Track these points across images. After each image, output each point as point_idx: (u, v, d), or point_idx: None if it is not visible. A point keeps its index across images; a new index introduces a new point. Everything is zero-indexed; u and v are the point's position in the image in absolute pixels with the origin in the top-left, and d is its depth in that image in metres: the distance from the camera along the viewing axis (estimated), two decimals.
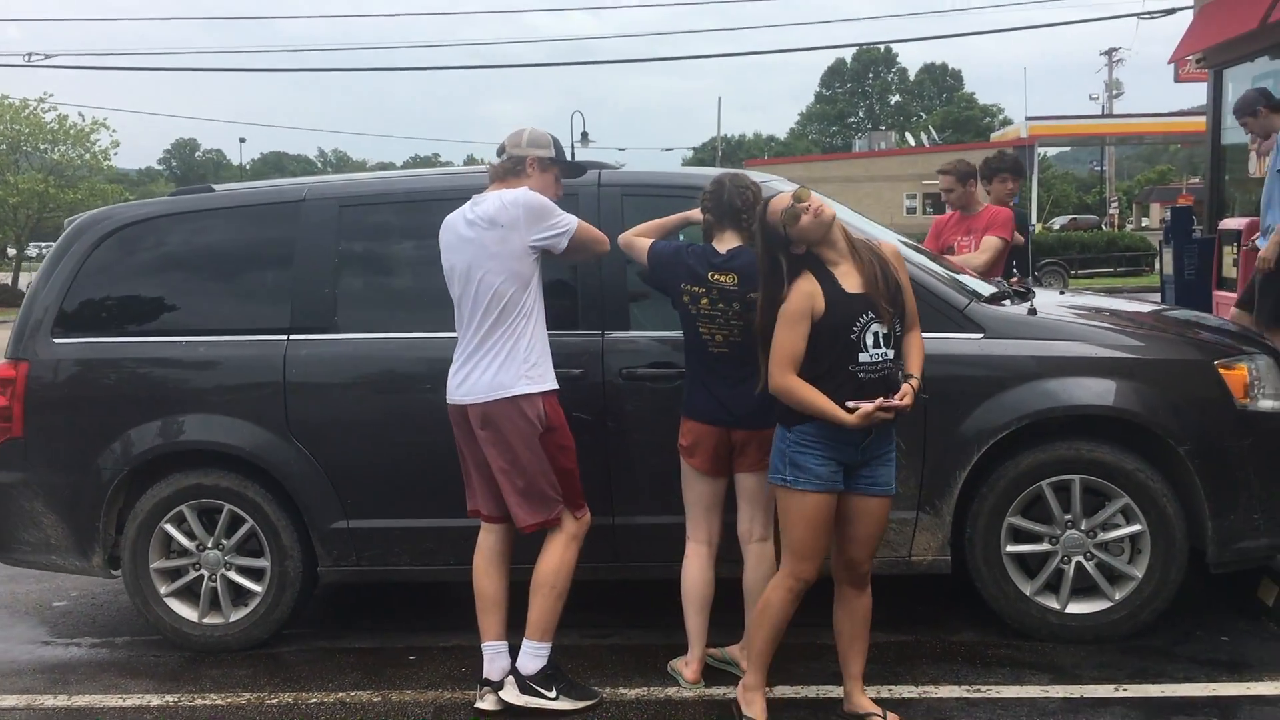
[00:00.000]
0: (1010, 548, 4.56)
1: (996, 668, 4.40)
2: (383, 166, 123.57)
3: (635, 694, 4.30)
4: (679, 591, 4.35)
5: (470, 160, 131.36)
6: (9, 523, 5.09)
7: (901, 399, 3.71)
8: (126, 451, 4.90)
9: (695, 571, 4.28)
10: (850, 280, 3.75)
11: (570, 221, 4.21)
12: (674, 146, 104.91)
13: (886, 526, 4.03)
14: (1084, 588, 4.56)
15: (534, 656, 4.20)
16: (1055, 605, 4.56)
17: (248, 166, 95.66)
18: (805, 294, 3.72)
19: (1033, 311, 4.68)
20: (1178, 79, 17.88)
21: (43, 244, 46.19)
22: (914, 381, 3.80)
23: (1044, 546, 4.56)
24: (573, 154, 4.44)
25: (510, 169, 4.31)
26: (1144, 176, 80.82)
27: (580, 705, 4.18)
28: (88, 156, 34.91)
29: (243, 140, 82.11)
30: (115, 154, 35.53)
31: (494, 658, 4.25)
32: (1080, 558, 4.53)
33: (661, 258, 4.26)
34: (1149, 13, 18.15)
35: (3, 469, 5.06)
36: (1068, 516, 4.52)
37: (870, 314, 3.71)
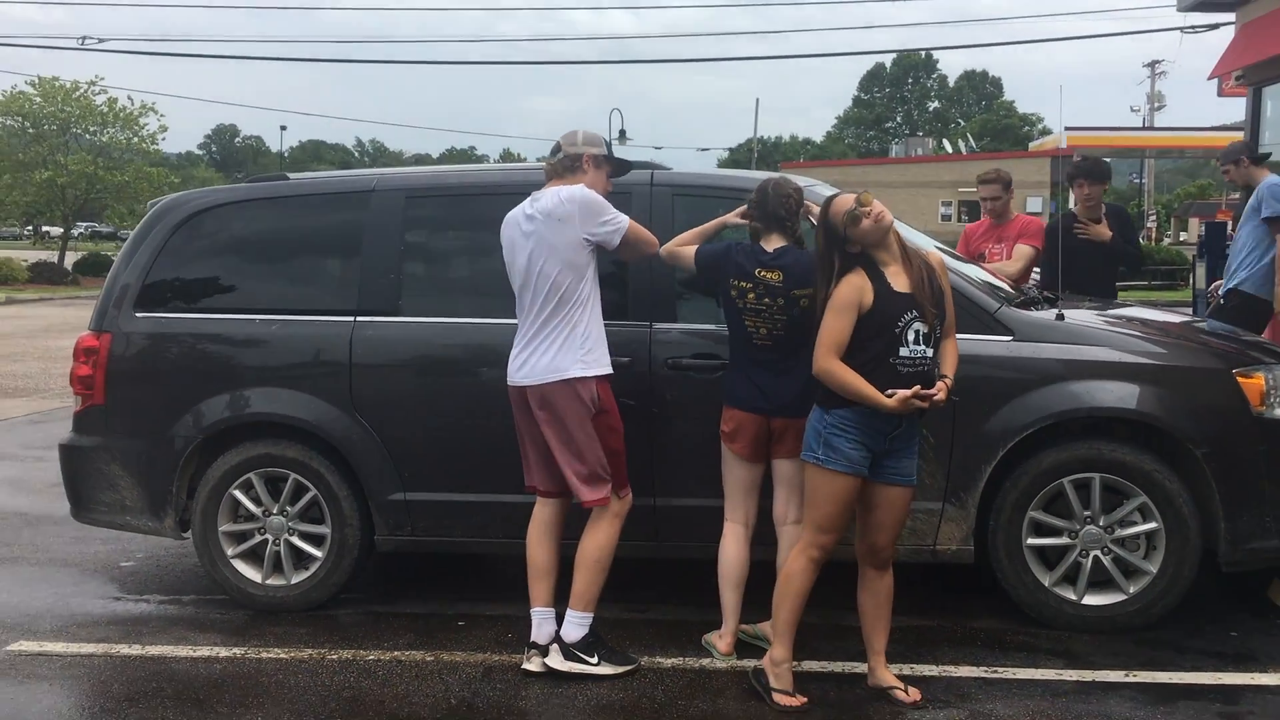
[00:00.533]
0: (1031, 540, 4.81)
1: (1014, 652, 4.65)
2: (419, 158, 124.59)
3: (671, 663, 4.58)
4: (713, 571, 4.63)
5: (507, 154, 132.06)
6: (88, 484, 5.44)
7: (936, 393, 3.98)
8: (200, 421, 5.24)
9: (732, 550, 4.56)
10: (899, 281, 4.04)
11: (623, 220, 4.50)
12: (710, 147, 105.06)
13: (908, 515, 4.29)
14: (1100, 581, 4.80)
15: (577, 626, 4.49)
16: (1072, 596, 4.81)
17: (286, 154, 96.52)
18: (855, 286, 4.01)
19: (1060, 317, 4.93)
20: (1221, 93, 17.97)
21: (86, 224, 47.13)
22: (948, 381, 4.08)
23: (1063, 540, 4.80)
24: (609, 151, 4.75)
25: (568, 166, 4.60)
26: (1184, 190, 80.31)
27: (620, 670, 4.46)
28: (135, 140, 35.56)
29: (284, 128, 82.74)
30: (163, 138, 36.19)
31: (542, 623, 4.54)
32: (1098, 552, 4.77)
33: (711, 257, 4.54)
34: (1192, 27, 18.18)
35: (84, 433, 5.42)
36: (1087, 513, 4.76)
37: (914, 313, 3.99)
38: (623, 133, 37.54)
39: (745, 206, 4.60)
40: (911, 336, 4.00)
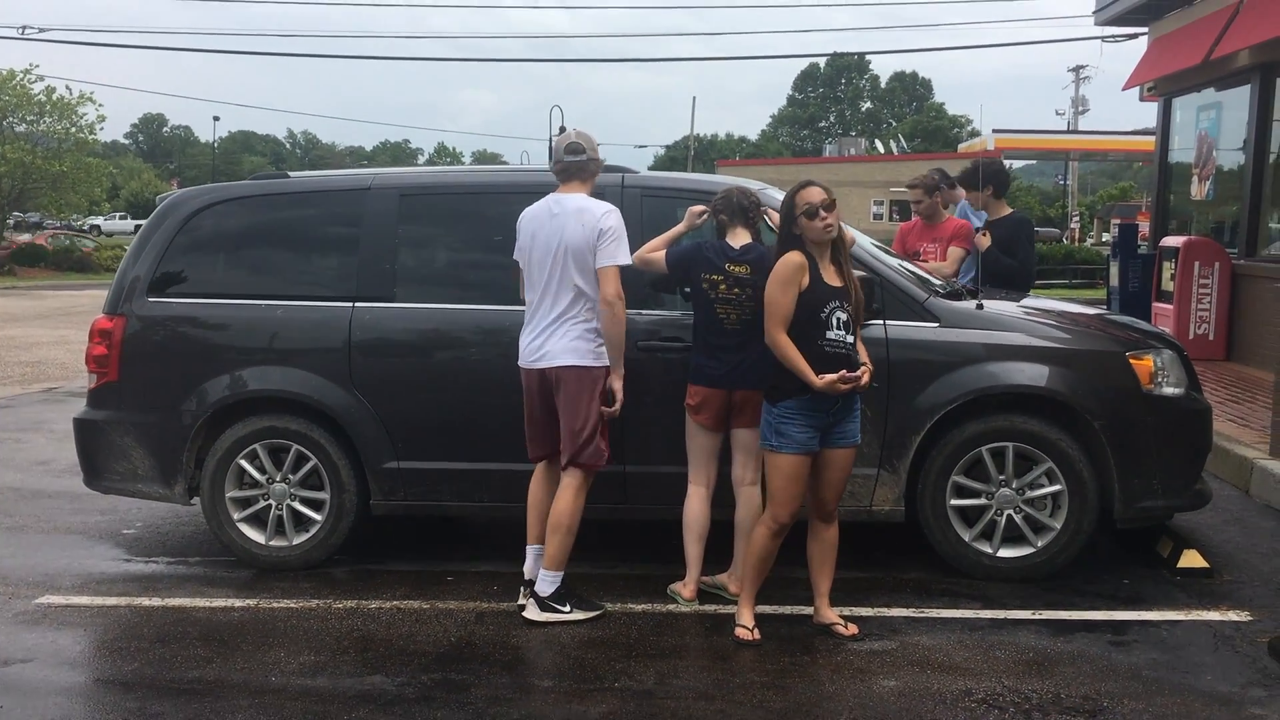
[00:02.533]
0: (954, 501, 5.52)
1: (939, 596, 5.35)
2: (352, 151, 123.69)
3: (641, 608, 5.21)
4: (673, 532, 5.27)
5: (442, 149, 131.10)
6: (102, 455, 5.94)
7: (861, 376, 4.65)
8: (209, 396, 5.75)
9: (696, 506, 5.21)
10: (829, 275, 4.71)
11: (626, 258, 5.07)
12: (647, 144, 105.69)
13: (851, 474, 4.97)
14: (1012, 536, 5.53)
15: (550, 583, 5.09)
16: (989, 550, 5.52)
17: (216, 144, 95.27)
18: (794, 264, 4.67)
19: (979, 306, 5.64)
20: (1142, 98, 18.99)
21: (19, 214, 46.46)
22: (869, 366, 4.74)
23: (981, 501, 5.51)
24: (550, 148, 5.39)
25: (593, 171, 5.20)
26: (1106, 192, 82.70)
27: (591, 615, 5.08)
28: (73, 130, 35.30)
29: (217, 118, 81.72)
30: (102, 128, 35.95)
31: (536, 559, 5.16)
32: (1010, 511, 5.49)
33: (681, 258, 5.16)
34: (1111, 37, 19.19)
35: (100, 408, 5.92)
36: (1002, 477, 5.48)
37: (838, 302, 4.65)
38: (563, 129, 38.04)
39: (709, 205, 5.22)
40: (835, 322, 4.64)
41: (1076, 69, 63.83)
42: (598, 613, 5.11)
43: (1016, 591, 5.38)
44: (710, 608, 5.17)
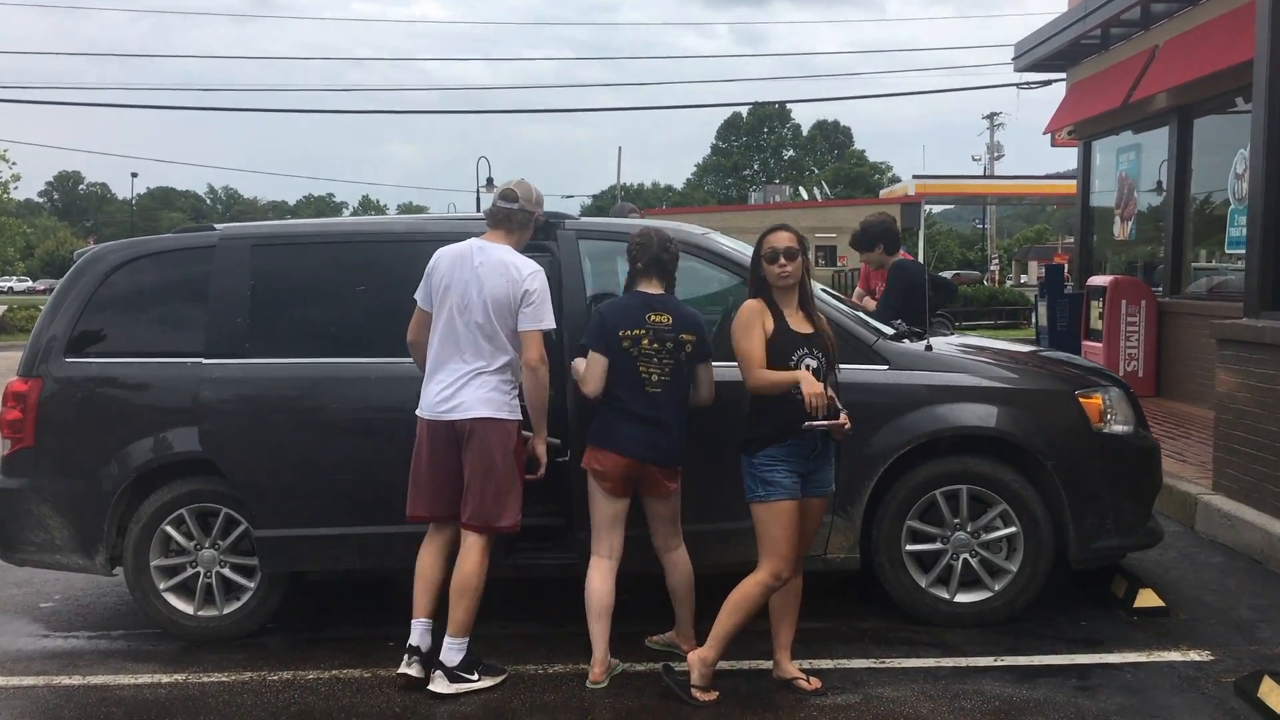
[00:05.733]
0: (909, 547, 5.41)
1: (898, 645, 5.23)
2: (275, 205, 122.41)
3: (560, 669, 4.98)
4: (555, 587, 5.07)
5: (367, 200, 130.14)
6: (17, 525, 5.60)
7: (843, 422, 4.52)
8: (131, 460, 5.44)
9: (598, 583, 4.85)
10: (796, 321, 4.61)
11: (551, 322, 4.88)
12: (574, 194, 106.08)
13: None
14: (969, 580, 5.43)
15: (457, 650, 4.83)
16: (946, 595, 5.42)
17: (134, 201, 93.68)
18: (753, 309, 4.59)
19: (929, 348, 5.58)
20: (1054, 144, 19.42)
21: None
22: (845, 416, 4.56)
23: (937, 546, 5.42)
24: (478, 199, 5.27)
25: (522, 222, 5.01)
26: (1023, 235, 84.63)
27: (499, 679, 4.87)
28: None
29: (135, 175, 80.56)
30: (16, 186, 35.07)
31: (425, 632, 4.89)
32: (966, 555, 5.39)
33: (597, 331, 4.79)
34: (1027, 84, 19.61)
35: (14, 475, 5.58)
36: (956, 520, 5.39)
37: (807, 349, 4.54)
38: (490, 180, 37.91)
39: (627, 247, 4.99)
40: (805, 369, 4.50)
41: (991, 115, 65.47)
42: (503, 677, 4.91)
43: (976, 637, 5.27)
44: (647, 666, 4.95)
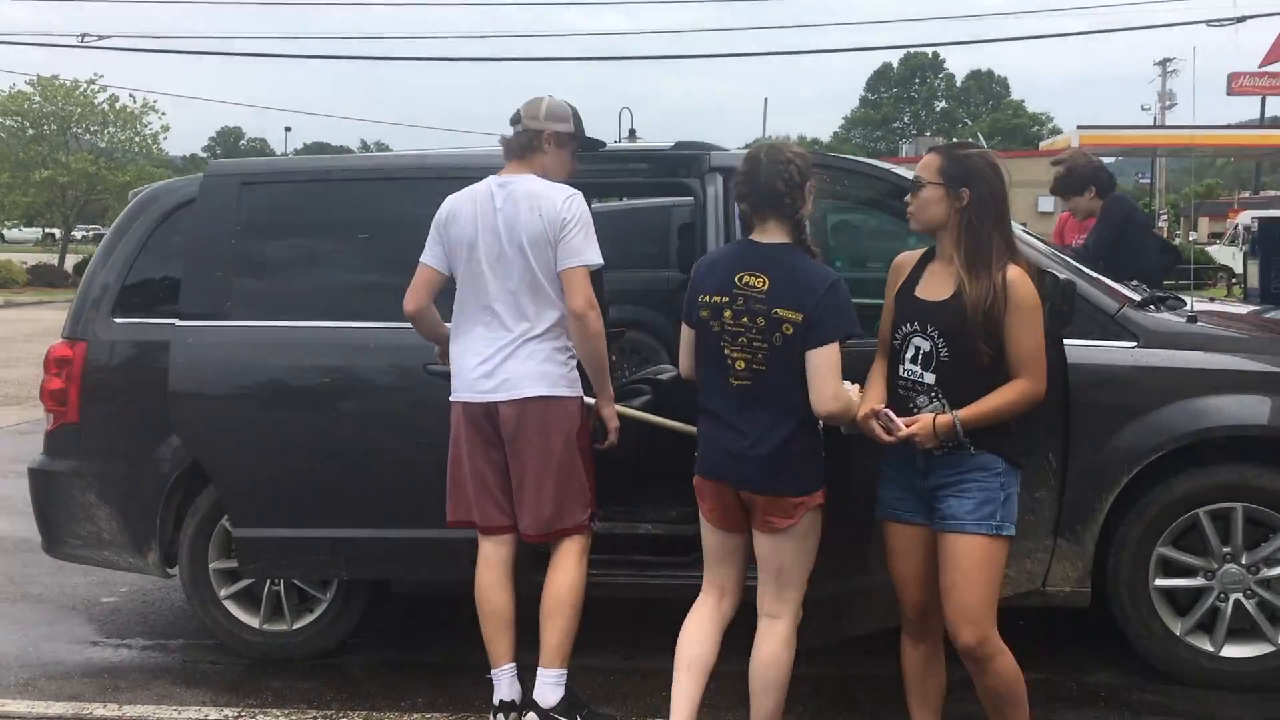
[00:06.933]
0: (1159, 581, 4.11)
1: (1143, 712, 3.96)
2: None
3: None
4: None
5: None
6: (60, 514, 4.74)
7: (900, 427, 3.14)
8: None
9: (691, 628, 3.50)
10: (934, 281, 3.25)
11: (597, 256, 3.79)
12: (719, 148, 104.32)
13: (988, 574, 3.15)
14: (1242, 629, 4.10)
15: (554, 686, 3.78)
16: (1209, 648, 4.10)
17: (290, 156, 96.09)
18: (896, 262, 3.39)
19: (1193, 319, 4.22)
20: (1230, 91, 17.35)
21: (89, 227, 46.51)
22: (943, 418, 3.11)
23: (1198, 581, 4.10)
24: (577, 126, 4.02)
25: (526, 144, 3.89)
26: (1191, 190, 79.52)
27: None
28: (138, 140, 34.94)
29: (288, 129, 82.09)
30: (165, 138, 35.55)
31: (513, 680, 3.85)
32: (1239, 595, 4.06)
33: (690, 285, 3.49)
34: (1219, 20, 17.51)
35: (56, 456, 4.72)
36: (1226, 549, 4.06)
37: (916, 325, 3.22)
38: (633, 131, 36.88)
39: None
40: (910, 353, 3.21)
41: (1164, 61, 61.15)
42: None
43: (1254, 708, 3.95)
44: None
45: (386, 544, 4.30)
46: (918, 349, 3.19)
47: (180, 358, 4.39)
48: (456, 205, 3.88)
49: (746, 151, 3.49)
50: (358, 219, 4.51)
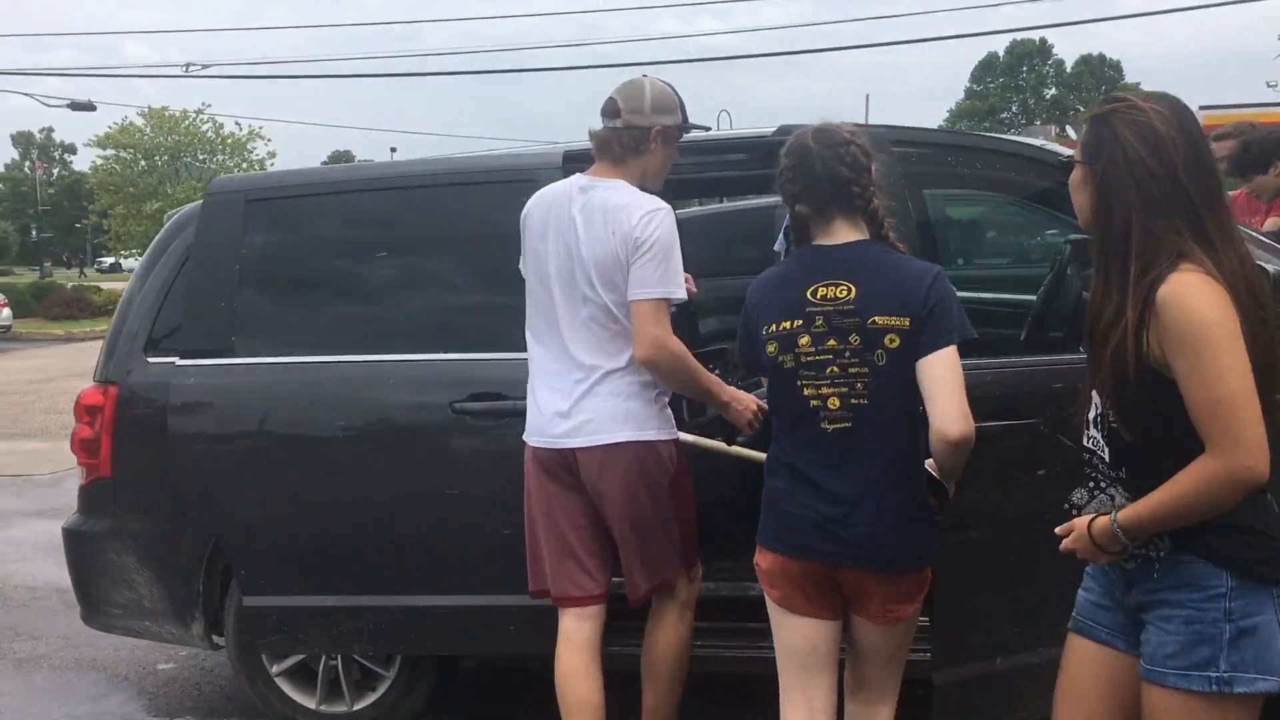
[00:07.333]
0: None
1: None
2: None
3: None
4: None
5: None
6: (98, 580, 4.22)
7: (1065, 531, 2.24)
8: None
9: None
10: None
11: (679, 288, 3.09)
12: None
13: None
14: None
15: None
16: None
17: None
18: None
19: None
20: None
21: None
22: (1099, 522, 2.16)
23: None
24: (684, 117, 3.29)
25: (631, 145, 3.17)
26: None
27: None
28: (245, 166, 35.48)
29: (393, 150, 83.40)
30: (272, 163, 36.03)
31: None
32: None
33: (742, 317, 2.74)
34: None
35: (91, 515, 4.20)
36: None
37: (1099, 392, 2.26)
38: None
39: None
40: (1091, 413, 2.27)
41: None
42: None
43: None
44: None
45: (409, 613, 3.69)
46: (1097, 409, 2.26)
47: (179, 401, 3.83)
48: (532, 207, 3.27)
49: (786, 142, 2.71)
50: (380, 236, 3.89)
